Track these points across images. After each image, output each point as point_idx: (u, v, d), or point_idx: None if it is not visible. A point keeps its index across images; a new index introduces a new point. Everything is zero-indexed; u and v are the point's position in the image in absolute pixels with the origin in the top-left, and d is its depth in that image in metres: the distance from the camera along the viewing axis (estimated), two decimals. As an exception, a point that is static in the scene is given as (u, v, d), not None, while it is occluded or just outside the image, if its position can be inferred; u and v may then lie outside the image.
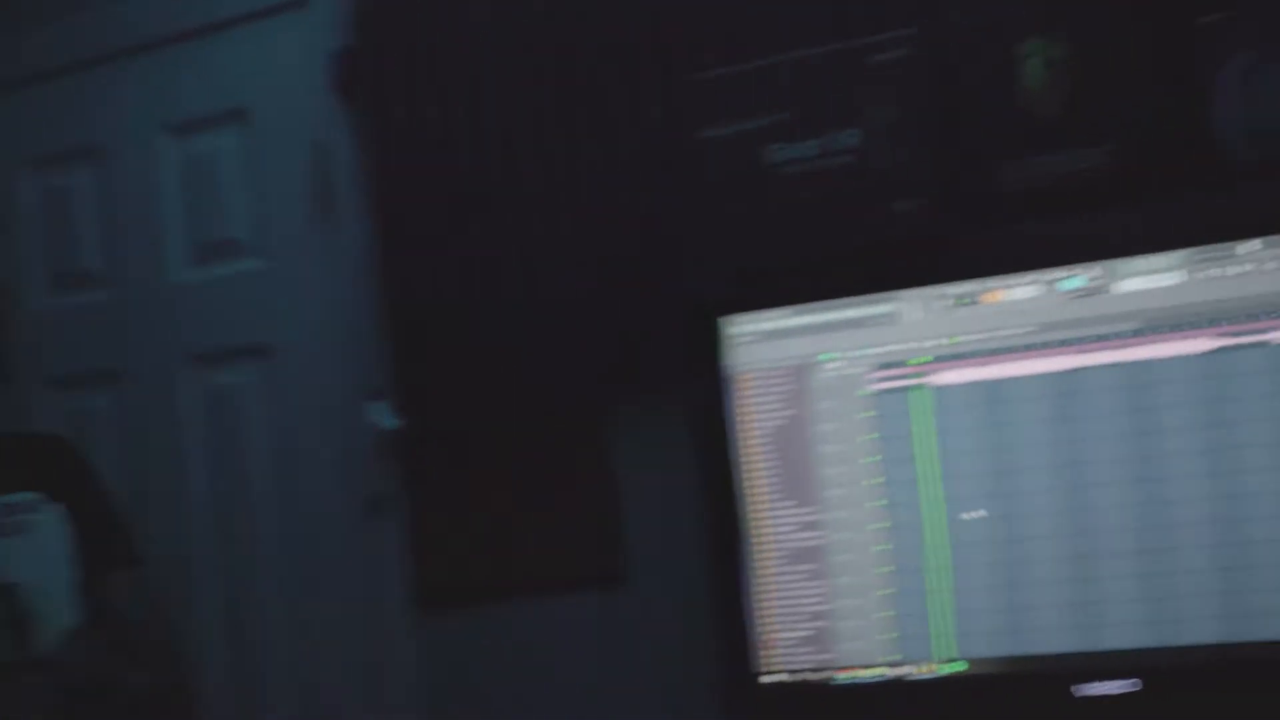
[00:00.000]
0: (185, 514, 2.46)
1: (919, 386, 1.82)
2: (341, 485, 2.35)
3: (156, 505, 2.46)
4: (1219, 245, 1.69)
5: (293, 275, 2.41)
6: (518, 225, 2.21)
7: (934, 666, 1.80)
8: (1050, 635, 1.75)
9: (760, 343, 1.89)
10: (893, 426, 1.83)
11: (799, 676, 1.86)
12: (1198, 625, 1.69)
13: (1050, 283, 1.77)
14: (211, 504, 2.46)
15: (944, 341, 1.81)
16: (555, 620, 2.24)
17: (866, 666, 1.83)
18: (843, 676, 1.84)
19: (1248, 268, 1.68)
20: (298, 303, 2.41)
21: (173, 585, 2.45)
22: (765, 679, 1.87)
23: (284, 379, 2.42)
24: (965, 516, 1.78)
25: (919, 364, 1.82)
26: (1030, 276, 1.78)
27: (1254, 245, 1.68)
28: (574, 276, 2.17)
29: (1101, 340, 1.74)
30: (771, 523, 1.88)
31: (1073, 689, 1.72)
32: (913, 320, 1.82)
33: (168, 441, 2.48)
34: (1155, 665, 1.71)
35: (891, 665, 1.82)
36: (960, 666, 1.79)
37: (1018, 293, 1.78)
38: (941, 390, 1.80)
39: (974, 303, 1.80)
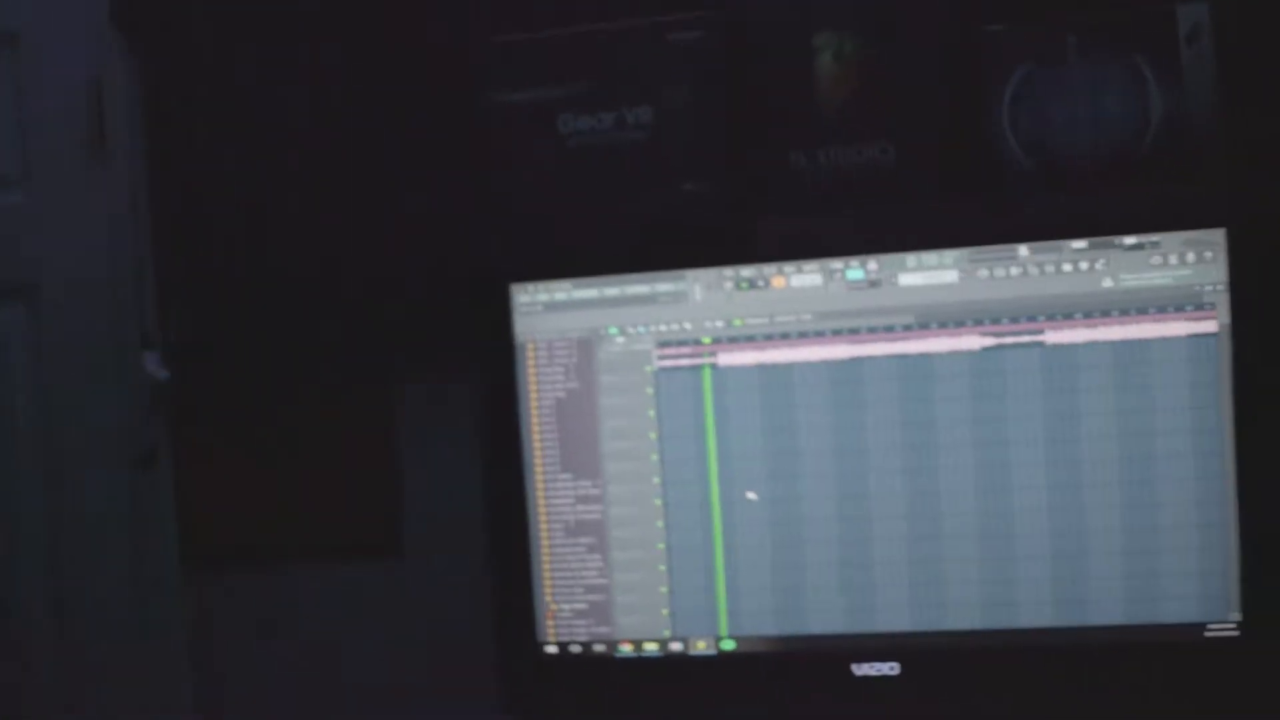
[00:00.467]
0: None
1: (703, 366, 1.86)
2: (111, 437, 2.27)
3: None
4: (995, 247, 1.77)
5: (61, 213, 2.30)
6: (301, 181, 2.17)
7: (711, 644, 1.86)
8: (823, 616, 1.82)
9: (548, 313, 1.91)
10: (675, 404, 1.87)
11: (580, 649, 1.89)
12: (959, 612, 1.79)
13: (833, 272, 1.82)
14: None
15: (729, 323, 1.85)
16: (331, 587, 2.22)
17: (645, 641, 1.87)
18: (623, 650, 1.88)
19: (1022, 270, 1.77)
20: (65, 243, 2.30)
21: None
22: (547, 649, 1.90)
23: (50, 323, 2.31)
24: (743, 496, 1.84)
25: (703, 344, 1.86)
26: (815, 265, 1.83)
27: (1027, 249, 1.77)
28: (360, 235, 2.14)
29: (880, 331, 1.80)
30: (553, 494, 1.90)
31: (853, 668, 1.81)
32: (698, 300, 1.86)
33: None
34: (917, 649, 1.80)
35: (669, 641, 1.87)
36: (732, 645, 1.85)
37: (802, 279, 1.84)
38: (724, 371, 1.85)
39: (759, 287, 1.84)
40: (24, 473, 2.32)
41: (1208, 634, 1.75)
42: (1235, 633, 1.74)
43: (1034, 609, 1.77)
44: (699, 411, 1.85)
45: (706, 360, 1.85)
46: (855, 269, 1.81)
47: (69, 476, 2.30)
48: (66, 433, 2.30)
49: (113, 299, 2.28)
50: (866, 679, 1.80)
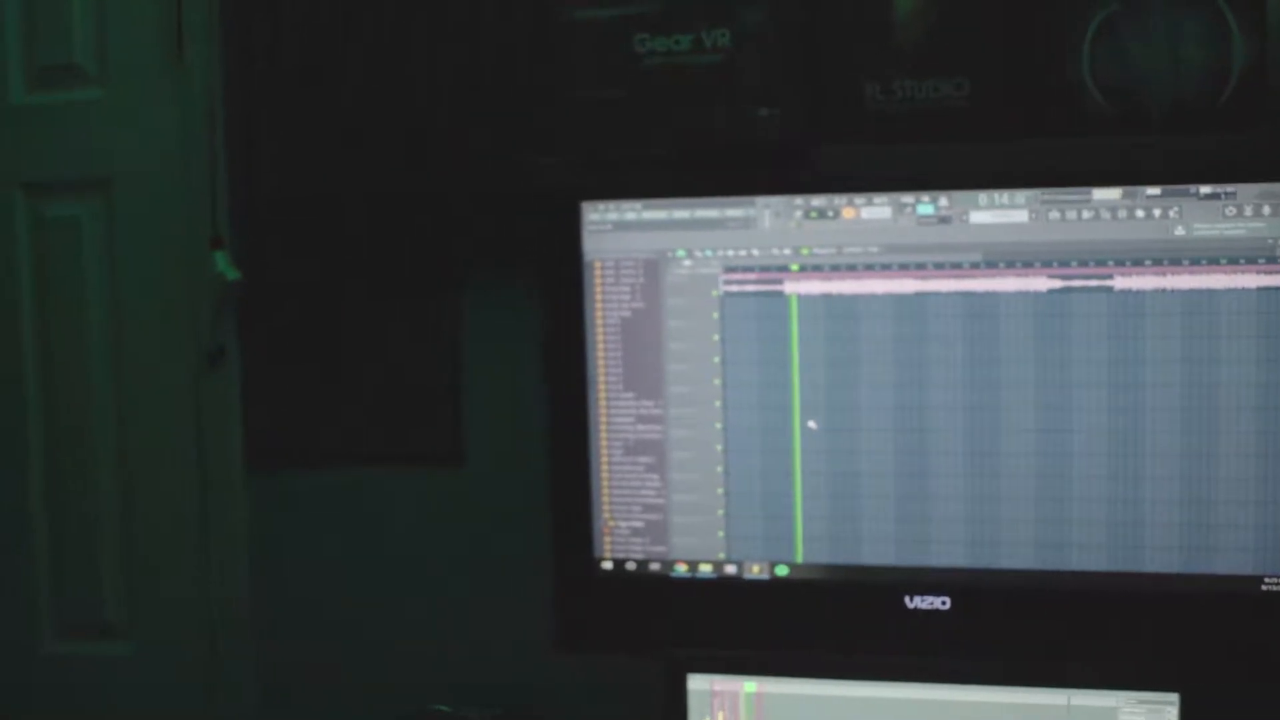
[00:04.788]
0: (14, 350, 2.40)
1: (769, 293, 1.87)
2: (179, 333, 2.31)
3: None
4: (1068, 189, 1.76)
5: (137, 109, 2.33)
6: (375, 86, 2.18)
7: (765, 568, 1.89)
8: (878, 548, 1.85)
9: (617, 232, 1.92)
10: (739, 330, 1.88)
11: (634, 566, 1.93)
12: (1012, 551, 1.81)
13: (903, 206, 1.82)
14: (42, 341, 2.40)
15: (796, 251, 1.86)
16: (390, 492, 2.27)
17: (700, 562, 1.91)
18: (678, 570, 1.92)
19: (1094, 214, 1.76)
20: (140, 140, 2.33)
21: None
22: (603, 565, 1.94)
23: (122, 218, 2.35)
24: (803, 425, 1.86)
25: (770, 271, 1.86)
26: (885, 197, 1.83)
27: (1104, 193, 1.76)
28: (433, 145, 2.15)
29: (948, 268, 1.81)
30: (615, 412, 1.92)
31: (905, 600, 1.83)
32: (767, 227, 1.86)
33: (-4, 270, 2.41)
34: (969, 585, 1.82)
35: (724, 564, 1.90)
36: (786, 571, 1.88)
37: (872, 211, 1.84)
38: (789, 299, 1.86)
39: (828, 216, 1.85)
40: (95, 366, 2.37)
41: (1265, 587, 1.76)
42: (1292, 586, 1.76)
43: (1088, 552, 1.79)
44: (763, 338, 1.87)
45: (772, 287, 1.86)
46: (926, 204, 1.81)
47: (138, 371, 2.35)
48: (136, 327, 2.35)
49: (185, 198, 2.31)
50: (918, 611, 1.83)
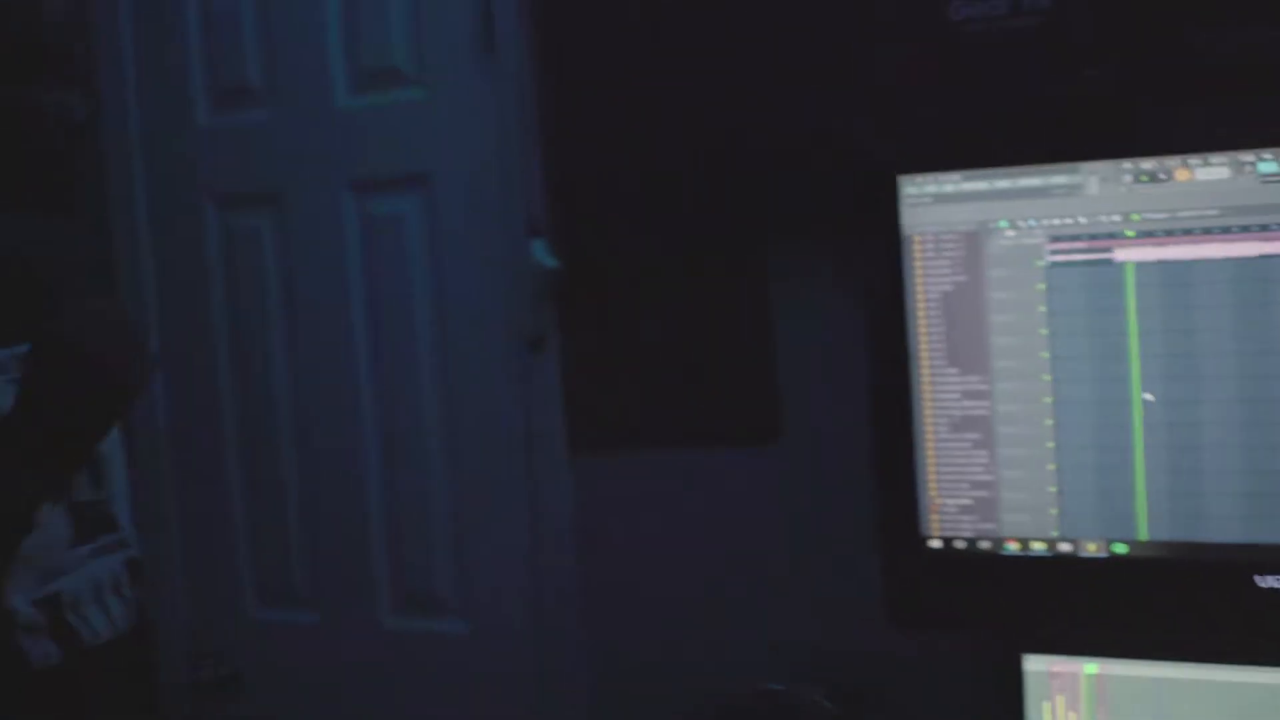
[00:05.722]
0: (346, 339, 2.52)
1: (1098, 261, 1.80)
2: (498, 322, 2.38)
3: (316, 327, 2.54)
4: None
5: (453, 107, 2.41)
6: (686, 65, 2.19)
7: (1102, 546, 1.83)
8: (1223, 524, 1.76)
9: (936, 205, 1.88)
10: (1067, 300, 1.82)
11: (964, 544, 1.89)
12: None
13: (1243, 165, 1.73)
14: (369, 329, 2.51)
15: (1126, 217, 1.78)
16: (708, 471, 2.27)
17: (1031, 540, 1.86)
18: (1009, 548, 1.87)
19: None
20: (457, 135, 2.41)
21: (322, 399, 2.54)
22: (931, 544, 1.91)
23: (442, 211, 2.44)
24: (1139, 397, 1.79)
25: (1100, 238, 1.80)
26: (1223, 157, 1.74)
27: None
28: (743, 122, 2.15)
29: (1295, 229, 1.71)
30: (939, 388, 1.89)
31: (1256, 579, 1.75)
32: (1094, 193, 1.80)
33: (327, 265, 2.52)
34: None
35: (1057, 541, 1.85)
36: (1124, 549, 1.81)
37: (1208, 172, 1.75)
38: (1126, 267, 1.79)
39: (1160, 180, 1.77)
40: (421, 355, 2.46)
41: None
42: None
43: None
44: (1094, 308, 1.80)
45: (1102, 255, 1.80)
46: (1268, 161, 1.72)
47: (462, 361, 2.43)
48: (459, 317, 2.43)
49: (502, 189, 2.38)
50: (1269, 590, 1.74)
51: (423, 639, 2.50)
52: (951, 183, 1.87)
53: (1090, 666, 1.81)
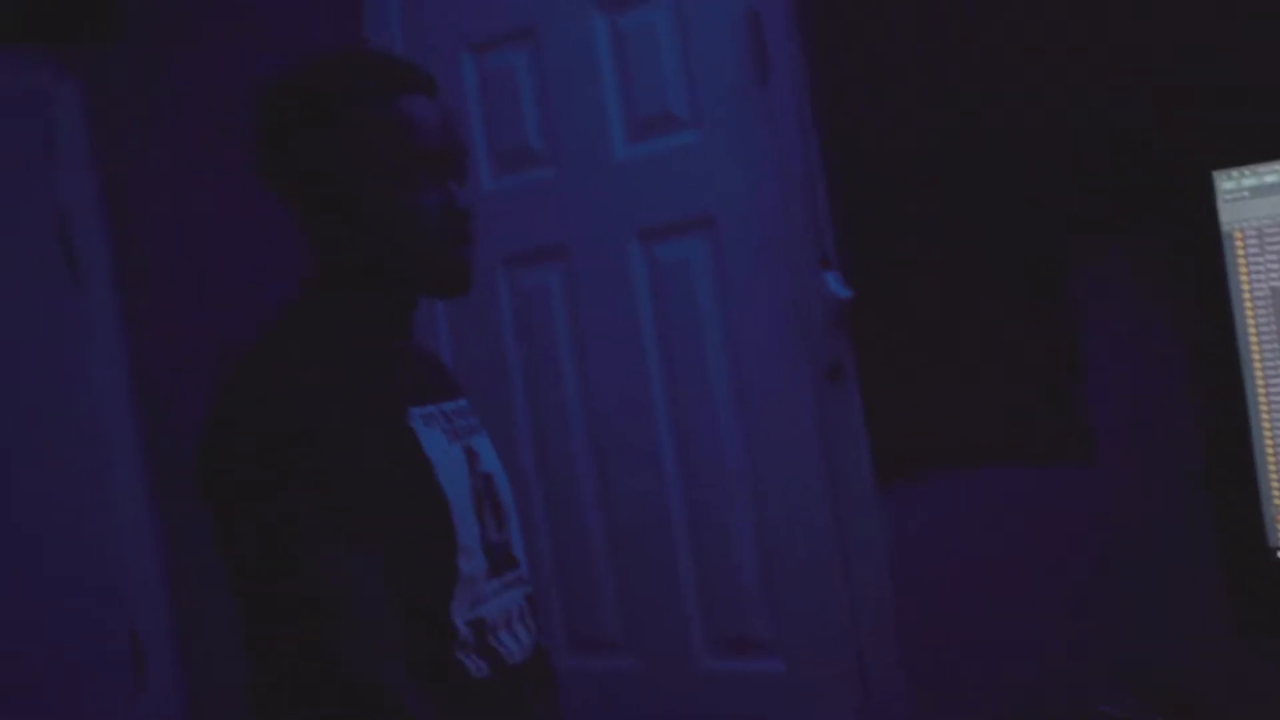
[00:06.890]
0: (641, 384, 2.54)
1: None
2: (793, 355, 2.36)
3: (610, 374, 2.57)
4: None
5: (731, 145, 2.41)
6: (970, 71, 2.15)
7: None
8: None
9: (1256, 198, 1.79)
10: None
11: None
12: None
13: None
14: (663, 373, 2.52)
15: None
16: (1019, 488, 2.19)
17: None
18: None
19: None
20: (737, 173, 2.41)
21: (623, 445, 2.56)
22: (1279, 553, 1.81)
23: (728, 250, 2.43)
24: None
25: None
26: None
27: None
28: (1039, 129, 2.09)
29: None
30: (1275, 389, 1.79)
31: None
32: None
33: (618, 314, 2.54)
34: None
35: None
36: None
37: None
38: None
39: None
40: (717, 392, 2.46)
41: None
42: None
43: None
44: None
45: None
46: None
47: (759, 397, 2.42)
48: (752, 354, 2.42)
49: (787, 222, 2.36)
50: None
51: (739, 679, 2.48)
52: (1274, 174, 1.78)
53: None
